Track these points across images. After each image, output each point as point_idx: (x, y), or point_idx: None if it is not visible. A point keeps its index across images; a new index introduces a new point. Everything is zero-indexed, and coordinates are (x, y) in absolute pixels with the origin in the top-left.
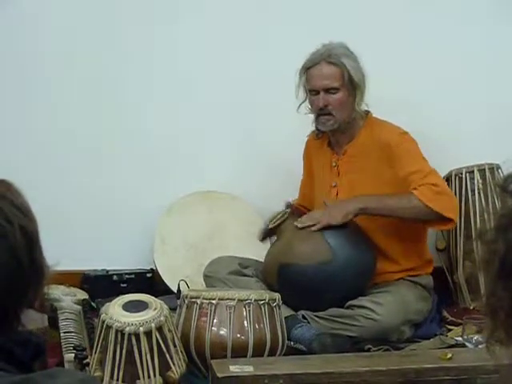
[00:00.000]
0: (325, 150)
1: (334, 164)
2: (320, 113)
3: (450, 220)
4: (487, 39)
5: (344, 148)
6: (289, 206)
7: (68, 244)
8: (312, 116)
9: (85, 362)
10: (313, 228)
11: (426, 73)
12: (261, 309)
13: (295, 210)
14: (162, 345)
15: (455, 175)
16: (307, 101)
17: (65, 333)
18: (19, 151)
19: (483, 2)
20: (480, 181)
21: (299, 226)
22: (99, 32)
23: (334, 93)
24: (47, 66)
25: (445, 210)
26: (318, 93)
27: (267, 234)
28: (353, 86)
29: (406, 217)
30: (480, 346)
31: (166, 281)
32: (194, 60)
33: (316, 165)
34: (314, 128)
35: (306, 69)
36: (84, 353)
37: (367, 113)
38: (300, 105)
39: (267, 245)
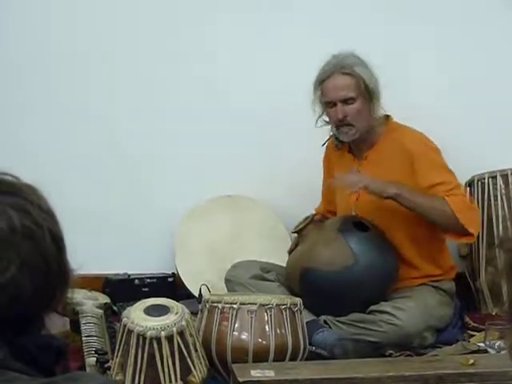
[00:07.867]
0: (345, 156)
1: (355, 169)
2: (340, 124)
3: (469, 234)
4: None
5: (365, 154)
6: (310, 217)
7: (90, 248)
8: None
9: (106, 365)
10: (353, 188)
11: (449, 78)
12: (282, 313)
13: (319, 220)
14: (184, 349)
15: (478, 180)
16: (324, 114)
17: (86, 337)
18: (43, 155)
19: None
20: (503, 186)
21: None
22: (137, 35)
23: (351, 103)
24: (86, 69)
25: (469, 224)
26: (334, 105)
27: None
28: (369, 93)
29: (432, 218)
30: (502, 352)
31: (187, 285)
32: (221, 67)
33: (337, 170)
34: (330, 136)
35: (321, 82)
36: (105, 357)
37: (387, 117)
38: (317, 119)
39: None
